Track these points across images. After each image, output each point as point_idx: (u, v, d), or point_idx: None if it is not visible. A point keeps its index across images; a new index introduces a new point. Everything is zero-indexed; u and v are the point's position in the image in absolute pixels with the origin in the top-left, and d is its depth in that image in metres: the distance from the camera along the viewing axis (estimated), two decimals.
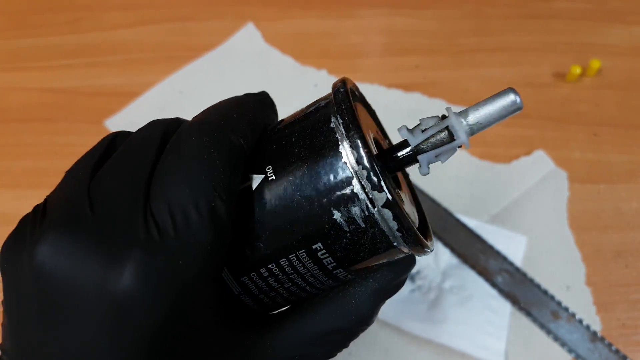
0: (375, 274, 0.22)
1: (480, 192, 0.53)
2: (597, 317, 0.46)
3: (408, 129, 0.20)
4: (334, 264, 0.20)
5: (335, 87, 0.21)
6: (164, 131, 0.20)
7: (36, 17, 0.69)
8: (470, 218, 0.51)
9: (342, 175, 0.18)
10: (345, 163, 0.18)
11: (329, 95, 0.21)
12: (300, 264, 0.20)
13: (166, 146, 0.20)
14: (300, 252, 0.19)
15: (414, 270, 0.48)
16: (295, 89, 0.61)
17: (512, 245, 0.49)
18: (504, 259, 0.48)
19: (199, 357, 0.19)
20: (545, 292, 0.46)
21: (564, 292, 0.47)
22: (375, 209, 0.18)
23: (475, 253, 0.49)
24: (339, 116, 0.19)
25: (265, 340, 0.21)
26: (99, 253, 0.17)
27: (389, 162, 0.20)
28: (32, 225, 0.18)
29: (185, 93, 0.61)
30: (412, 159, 0.20)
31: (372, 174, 0.18)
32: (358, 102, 0.23)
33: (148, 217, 0.17)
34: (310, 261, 0.20)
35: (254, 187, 0.20)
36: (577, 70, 0.59)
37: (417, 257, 0.22)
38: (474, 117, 0.19)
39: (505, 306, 0.46)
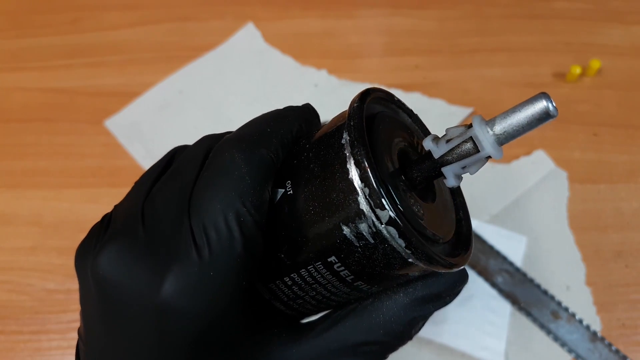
0: (407, 287, 0.22)
1: (480, 192, 0.53)
2: (597, 317, 0.46)
3: (432, 140, 0.19)
4: (352, 276, 0.20)
5: (352, 102, 0.20)
6: (209, 147, 0.22)
7: (36, 17, 0.69)
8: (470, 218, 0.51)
9: (348, 191, 0.19)
10: (351, 180, 0.18)
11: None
12: (319, 275, 0.20)
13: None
14: (317, 264, 0.20)
15: None
16: (296, 89, 0.61)
17: (512, 245, 0.49)
18: (504, 259, 0.48)
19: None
20: (545, 292, 0.46)
21: (564, 292, 0.47)
22: (382, 225, 0.18)
23: (475, 253, 0.49)
24: (347, 132, 0.19)
25: (294, 346, 0.22)
26: (146, 265, 0.19)
27: (413, 175, 0.20)
28: (97, 234, 0.21)
29: (185, 93, 0.62)
30: (436, 171, 0.19)
31: (374, 191, 0.18)
32: (390, 112, 0.22)
33: (186, 232, 0.19)
34: (328, 273, 0.20)
35: (276, 200, 0.21)
36: (577, 70, 0.59)
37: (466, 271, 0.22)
38: (501, 126, 0.18)
39: (505, 306, 0.46)
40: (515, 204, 0.52)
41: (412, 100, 0.60)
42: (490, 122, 0.18)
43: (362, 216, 0.18)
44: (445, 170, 0.19)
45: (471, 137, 0.18)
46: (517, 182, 0.53)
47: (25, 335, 0.46)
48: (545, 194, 0.53)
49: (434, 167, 0.19)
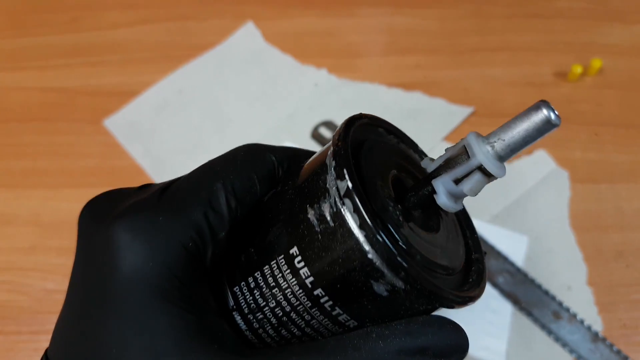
0: (392, 325, 0.18)
1: (481, 192, 0.53)
2: (599, 318, 0.46)
3: (431, 159, 0.18)
4: (312, 278, 0.18)
5: (336, 132, 0.19)
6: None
7: (36, 16, 0.69)
8: (471, 218, 0.51)
9: (321, 170, 0.19)
10: (326, 162, 0.18)
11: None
12: (280, 274, 0.19)
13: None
14: (279, 258, 0.19)
15: None
16: (295, 88, 0.61)
17: (513, 245, 0.49)
18: (505, 259, 0.48)
19: None
20: (546, 293, 0.46)
21: (565, 292, 0.47)
22: (340, 201, 0.17)
23: None
24: (333, 156, 0.18)
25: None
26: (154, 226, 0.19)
27: (409, 197, 0.19)
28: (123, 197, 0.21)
29: (184, 92, 0.61)
30: (427, 185, 0.18)
31: (341, 163, 0.17)
32: (381, 138, 0.22)
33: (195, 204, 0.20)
34: (289, 271, 0.19)
35: (264, 199, 0.21)
36: (578, 69, 0.59)
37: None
38: (497, 135, 0.17)
39: (507, 306, 0.46)
40: (517, 203, 0.52)
41: (413, 100, 0.60)
42: (489, 135, 0.17)
43: (327, 194, 0.18)
44: (435, 182, 0.18)
45: (464, 146, 0.17)
46: (518, 182, 0.53)
47: (25, 335, 0.45)
48: (547, 194, 0.52)
49: (426, 181, 0.18)
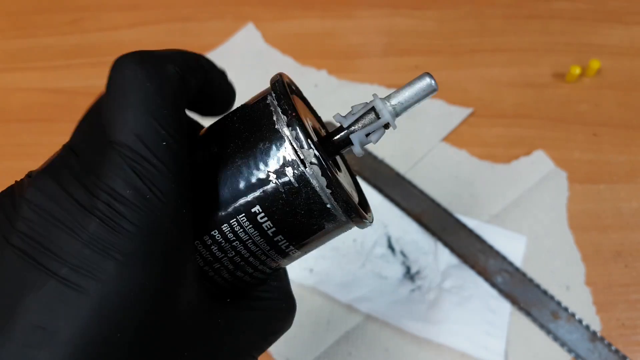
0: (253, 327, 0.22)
1: (480, 192, 0.53)
2: (597, 317, 0.46)
3: (341, 115, 0.23)
4: (274, 229, 0.21)
5: (272, 79, 0.23)
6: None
7: (37, 17, 0.69)
8: (470, 218, 0.51)
9: (275, 138, 0.21)
10: (278, 128, 0.21)
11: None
12: (241, 230, 0.21)
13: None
14: (240, 216, 0.21)
15: (413, 270, 0.48)
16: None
17: (512, 245, 0.49)
18: (504, 259, 0.48)
19: (182, 337, 0.19)
20: (545, 292, 0.46)
21: (563, 292, 0.47)
22: (306, 167, 0.20)
23: (475, 253, 0.49)
24: (272, 92, 0.22)
25: (238, 322, 0.22)
26: (78, 192, 0.17)
27: (327, 146, 0.23)
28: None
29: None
30: (346, 139, 0.22)
31: (300, 134, 0.20)
32: (295, 95, 0.25)
33: (110, 158, 0.17)
34: (251, 226, 0.21)
35: (200, 159, 0.22)
36: (576, 70, 0.59)
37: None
38: (395, 99, 0.22)
39: (505, 306, 0.46)
40: (515, 204, 0.52)
41: None
42: (387, 97, 0.22)
43: (289, 159, 0.20)
44: (353, 137, 0.22)
45: (373, 107, 0.22)
46: (516, 182, 0.53)
47: None
48: (545, 194, 0.53)
49: (345, 135, 0.22)
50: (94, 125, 0.19)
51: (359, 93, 0.61)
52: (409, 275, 0.48)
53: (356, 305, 0.46)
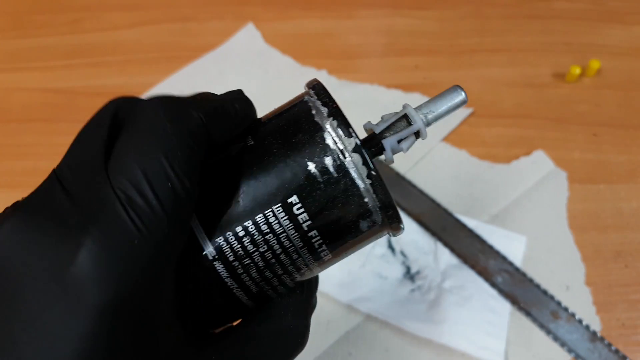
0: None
1: (480, 192, 0.53)
2: (597, 317, 0.46)
3: (371, 123, 0.23)
4: (309, 222, 0.21)
5: (308, 83, 0.24)
6: (117, 107, 0.19)
7: (37, 17, 0.69)
8: (470, 218, 0.51)
9: (314, 129, 0.21)
10: (316, 120, 0.21)
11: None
12: (276, 221, 0.21)
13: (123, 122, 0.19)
14: (276, 207, 0.21)
15: (413, 270, 0.48)
16: (295, 90, 0.61)
17: (511, 245, 0.49)
18: (504, 259, 0.48)
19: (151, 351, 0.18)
20: (544, 292, 0.46)
21: (563, 292, 0.47)
22: (346, 157, 0.20)
23: (475, 253, 0.49)
24: (311, 90, 0.22)
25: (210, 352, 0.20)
26: (54, 234, 0.16)
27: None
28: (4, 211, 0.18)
29: (185, 93, 0.61)
30: (378, 145, 0.22)
31: (342, 123, 0.20)
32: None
33: (106, 194, 0.17)
34: (286, 217, 0.21)
35: (233, 153, 0.21)
36: (576, 70, 0.59)
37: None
38: (427, 108, 0.22)
39: (505, 306, 0.46)
40: (515, 204, 0.52)
41: (412, 101, 0.60)
42: (418, 107, 0.22)
43: (328, 149, 0.20)
44: (385, 142, 0.22)
45: (405, 115, 0.22)
46: (516, 182, 0.53)
47: None
48: (545, 194, 0.53)
49: (377, 141, 0.22)
50: (87, 153, 0.18)
51: (359, 93, 0.61)
52: (409, 275, 0.48)
53: (356, 305, 0.46)
